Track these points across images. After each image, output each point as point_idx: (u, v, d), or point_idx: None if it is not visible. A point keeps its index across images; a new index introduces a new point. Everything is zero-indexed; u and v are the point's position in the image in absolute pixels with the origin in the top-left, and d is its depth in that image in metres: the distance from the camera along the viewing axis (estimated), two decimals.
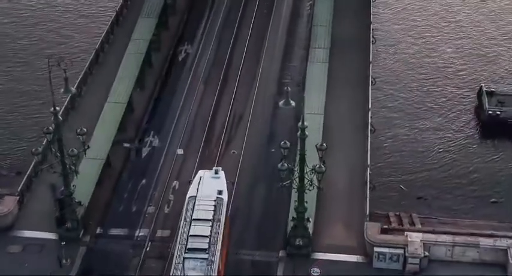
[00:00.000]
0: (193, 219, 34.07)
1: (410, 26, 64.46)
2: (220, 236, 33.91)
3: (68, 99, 45.36)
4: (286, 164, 32.76)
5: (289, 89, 31.83)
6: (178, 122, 46.02)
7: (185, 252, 32.75)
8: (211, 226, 33.87)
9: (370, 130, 44.42)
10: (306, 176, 33.68)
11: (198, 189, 35.93)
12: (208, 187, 35.93)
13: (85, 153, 36.08)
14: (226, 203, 35.71)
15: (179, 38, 54.25)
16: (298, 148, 34.49)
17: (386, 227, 38.08)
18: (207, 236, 33.26)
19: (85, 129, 35.65)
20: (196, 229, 33.50)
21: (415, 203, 48.47)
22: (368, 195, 39.01)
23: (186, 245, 32.81)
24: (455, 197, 48.02)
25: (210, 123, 45.69)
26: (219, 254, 33.22)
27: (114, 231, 38.65)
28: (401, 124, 53.36)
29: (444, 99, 55.30)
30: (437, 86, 56.51)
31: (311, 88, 44.68)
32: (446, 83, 56.78)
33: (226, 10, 56.97)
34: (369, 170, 40.67)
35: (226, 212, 35.92)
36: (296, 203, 35.12)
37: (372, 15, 54.28)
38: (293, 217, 35.81)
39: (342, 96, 46.56)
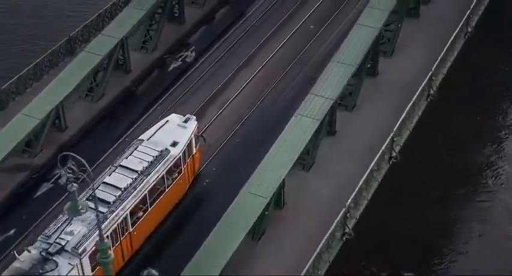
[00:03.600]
0: (120, 166, 29.67)
1: None
2: (142, 194, 29.05)
3: None
4: None
5: None
6: (108, 157, 34.26)
7: (86, 199, 27.73)
8: (135, 179, 29.16)
9: (346, 233, 30.72)
10: None
11: (153, 133, 31.39)
12: (165, 134, 31.22)
13: None
14: (174, 158, 30.54)
15: (186, 40, 42.36)
16: None
17: None
18: (120, 189, 28.62)
19: None
20: (115, 177, 29.15)
21: None
22: None
23: (93, 191, 27.14)
24: None
25: None
26: (124, 213, 28.35)
27: None
28: None
29: None
30: None
31: (270, 162, 31.08)
32: None
33: (264, 16, 43.94)
34: None
35: (182, 170, 31.24)
36: None
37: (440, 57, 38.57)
38: None
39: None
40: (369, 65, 38.10)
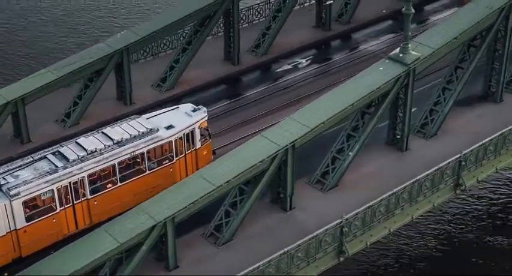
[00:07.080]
0: (102, 132, 29.31)
1: None
2: (108, 163, 28.22)
3: None
4: None
5: None
6: None
7: (51, 153, 28.25)
8: (107, 146, 28.44)
9: None
10: None
11: (156, 114, 30.85)
12: (167, 118, 30.48)
13: None
14: (161, 139, 29.37)
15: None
16: None
17: None
18: (85, 150, 28.14)
19: None
20: (88, 140, 28.73)
21: None
22: None
23: (61, 147, 28.37)
24: None
25: None
26: (80, 174, 27.57)
27: None
28: None
29: None
30: None
31: None
32: None
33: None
34: None
35: (173, 158, 29.91)
36: None
37: None
38: None
39: None
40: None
